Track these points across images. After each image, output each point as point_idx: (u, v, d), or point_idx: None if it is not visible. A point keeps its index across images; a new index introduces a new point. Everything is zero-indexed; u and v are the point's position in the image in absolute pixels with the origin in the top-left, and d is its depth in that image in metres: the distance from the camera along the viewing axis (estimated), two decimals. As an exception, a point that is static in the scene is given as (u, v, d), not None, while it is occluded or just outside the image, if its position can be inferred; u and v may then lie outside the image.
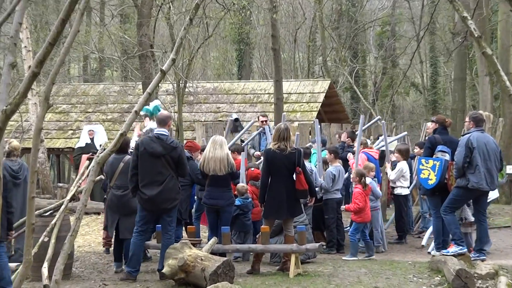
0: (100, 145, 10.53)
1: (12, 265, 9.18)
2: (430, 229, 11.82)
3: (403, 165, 12.40)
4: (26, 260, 5.36)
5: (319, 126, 12.20)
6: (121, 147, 10.03)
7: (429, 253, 10.79)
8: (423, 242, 12.00)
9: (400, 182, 12.38)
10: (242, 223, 10.73)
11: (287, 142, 9.50)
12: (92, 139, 16.76)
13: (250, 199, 10.92)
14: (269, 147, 9.80)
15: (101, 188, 10.63)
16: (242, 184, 10.97)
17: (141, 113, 13.73)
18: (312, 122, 20.71)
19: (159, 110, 13.46)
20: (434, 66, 37.59)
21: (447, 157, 10.46)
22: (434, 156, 10.58)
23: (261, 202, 9.72)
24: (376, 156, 12.66)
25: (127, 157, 10.07)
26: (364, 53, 38.01)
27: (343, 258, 10.82)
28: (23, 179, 10.03)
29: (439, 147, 10.59)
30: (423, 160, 10.63)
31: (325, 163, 12.28)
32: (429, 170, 10.47)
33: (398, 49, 36.25)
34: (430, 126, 15.88)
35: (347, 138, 13.63)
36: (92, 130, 17.11)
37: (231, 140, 13.22)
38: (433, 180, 10.45)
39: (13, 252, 9.45)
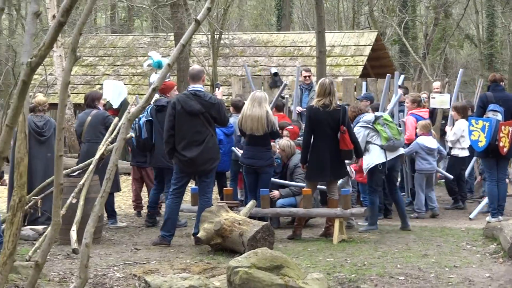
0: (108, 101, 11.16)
1: (39, 227, 9.36)
2: (484, 201, 11.58)
3: (461, 124, 12.07)
4: (54, 222, 5.38)
5: (365, 82, 12.10)
6: (88, 103, 10.67)
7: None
8: (472, 215, 11.43)
9: (458, 143, 12.13)
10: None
11: (333, 97, 9.42)
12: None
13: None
14: (312, 104, 9.74)
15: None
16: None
17: (145, 66, 13.78)
18: (357, 77, 20.58)
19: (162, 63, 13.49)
20: (491, 17, 36.81)
21: (499, 116, 10.33)
22: (485, 116, 10.45)
23: (303, 163, 9.70)
24: (426, 116, 12.40)
25: (94, 110, 10.47)
26: (414, 2, 37.32)
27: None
28: (48, 136, 10.15)
29: (491, 106, 10.48)
30: (473, 121, 10.55)
31: None
32: (479, 132, 10.39)
33: (452, -3, 35.57)
34: (435, 85, 15.49)
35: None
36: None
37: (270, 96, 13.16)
38: (483, 142, 10.37)
39: (39, 214, 9.58)
